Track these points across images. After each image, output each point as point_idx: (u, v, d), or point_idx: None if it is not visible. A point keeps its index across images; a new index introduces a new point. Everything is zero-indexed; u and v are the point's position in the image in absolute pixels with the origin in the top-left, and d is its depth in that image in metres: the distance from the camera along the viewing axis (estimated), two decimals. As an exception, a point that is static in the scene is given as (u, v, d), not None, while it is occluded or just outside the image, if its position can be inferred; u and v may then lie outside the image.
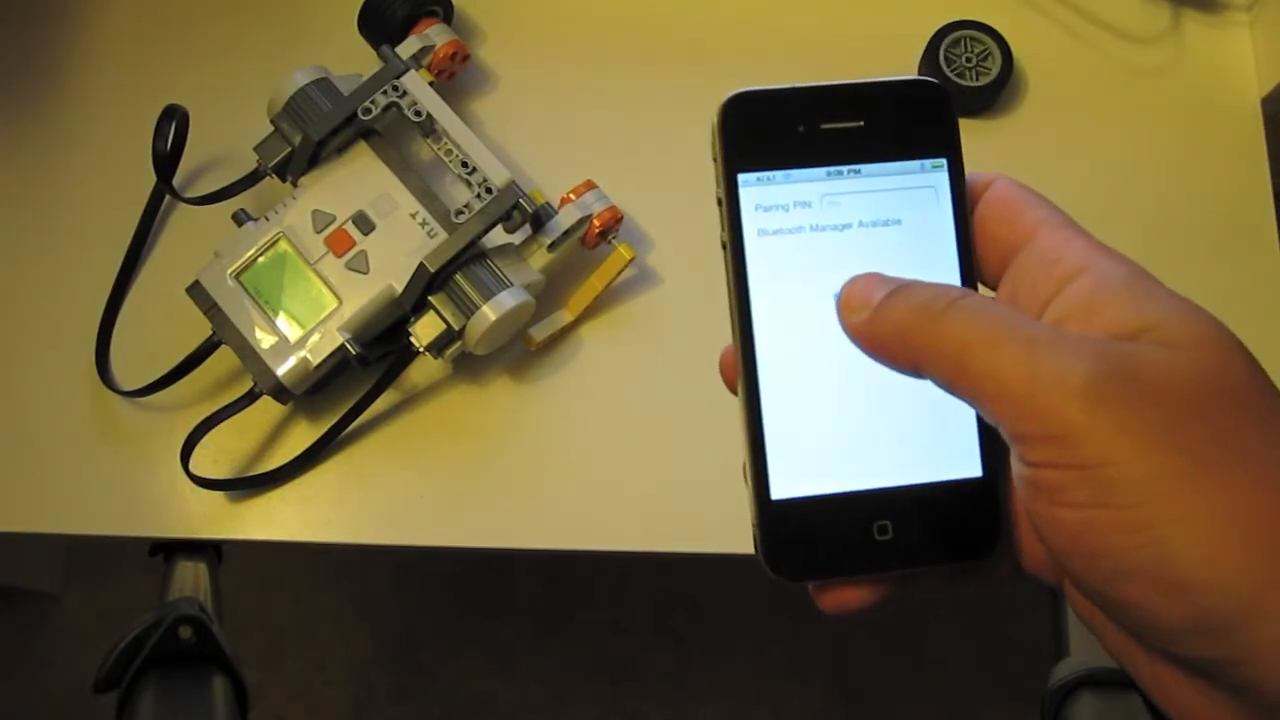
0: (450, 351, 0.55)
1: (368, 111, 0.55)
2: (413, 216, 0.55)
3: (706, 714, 1.21)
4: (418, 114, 0.55)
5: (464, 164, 0.55)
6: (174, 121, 0.57)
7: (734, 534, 0.56)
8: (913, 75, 0.32)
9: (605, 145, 0.62)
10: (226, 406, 0.55)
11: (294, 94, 0.56)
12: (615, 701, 1.22)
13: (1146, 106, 0.64)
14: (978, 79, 0.62)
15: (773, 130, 0.31)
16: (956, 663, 1.22)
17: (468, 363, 0.58)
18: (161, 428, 0.57)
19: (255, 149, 0.57)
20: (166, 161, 0.58)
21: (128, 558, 1.23)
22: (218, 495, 0.56)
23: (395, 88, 0.56)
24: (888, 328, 0.28)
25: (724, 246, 0.32)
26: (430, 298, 0.53)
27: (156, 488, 0.56)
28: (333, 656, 1.23)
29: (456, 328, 0.53)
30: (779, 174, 0.31)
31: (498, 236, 0.55)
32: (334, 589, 1.26)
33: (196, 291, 0.54)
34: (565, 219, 0.56)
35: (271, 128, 0.57)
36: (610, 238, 0.57)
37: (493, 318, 0.52)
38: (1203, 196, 0.63)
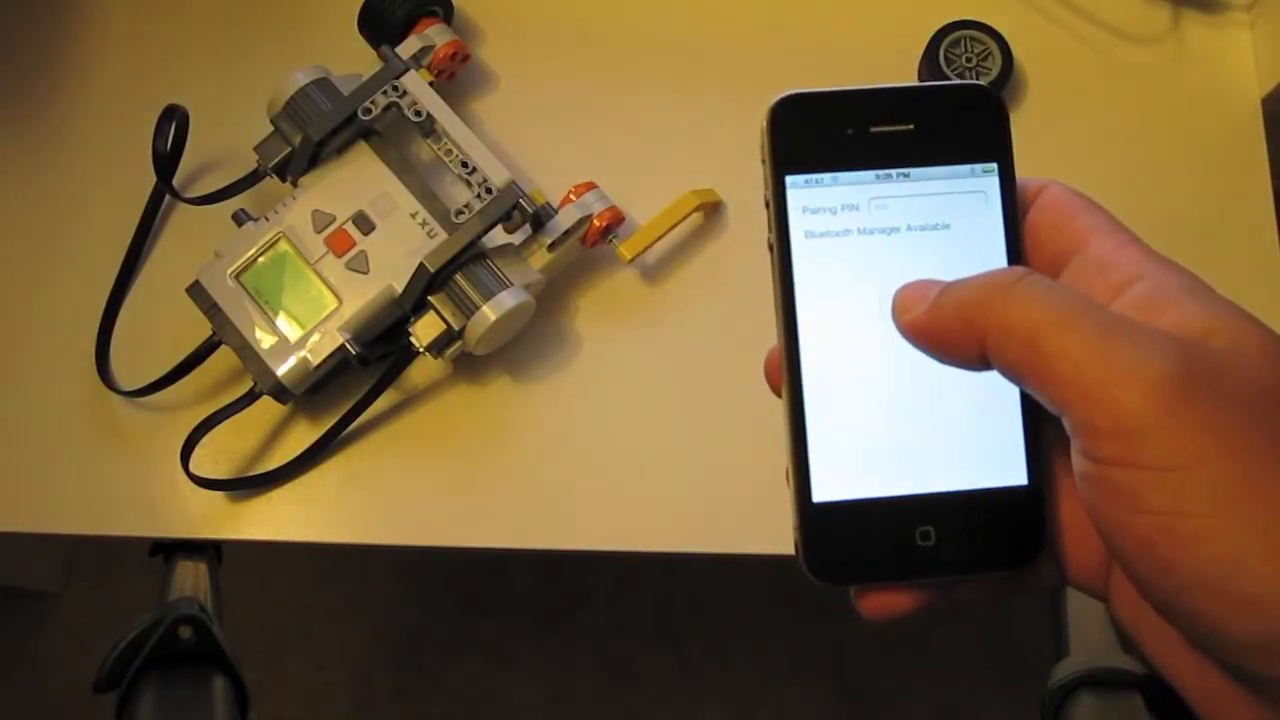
0: (450, 351, 0.55)
1: (368, 111, 0.55)
2: (413, 216, 0.55)
3: (706, 714, 1.21)
4: (418, 114, 0.55)
5: (464, 164, 0.55)
6: (174, 122, 0.57)
7: (735, 534, 0.56)
8: (968, 82, 0.32)
9: (606, 145, 0.62)
10: (226, 406, 0.55)
11: (294, 94, 0.56)
12: (615, 701, 1.22)
13: (1146, 106, 0.64)
14: (978, 79, 0.62)
15: (822, 132, 0.31)
16: (957, 663, 1.22)
17: (468, 363, 0.58)
18: (161, 428, 0.57)
19: (255, 149, 0.57)
20: (166, 161, 0.58)
21: (128, 558, 1.23)
22: (218, 495, 0.56)
23: (395, 88, 0.56)
24: (949, 312, 0.27)
25: (770, 248, 0.31)
26: (430, 298, 0.53)
27: (156, 488, 0.56)
28: (333, 656, 1.23)
29: (456, 328, 0.53)
30: (827, 176, 0.31)
31: (498, 236, 0.55)
32: (334, 589, 1.26)
33: (196, 291, 0.54)
34: (565, 219, 0.56)
35: (271, 128, 0.57)
36: (611, 238, 0.57)
37: (493, 318, 0.52)
38: (1203, 196, 0.63)
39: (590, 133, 0.63)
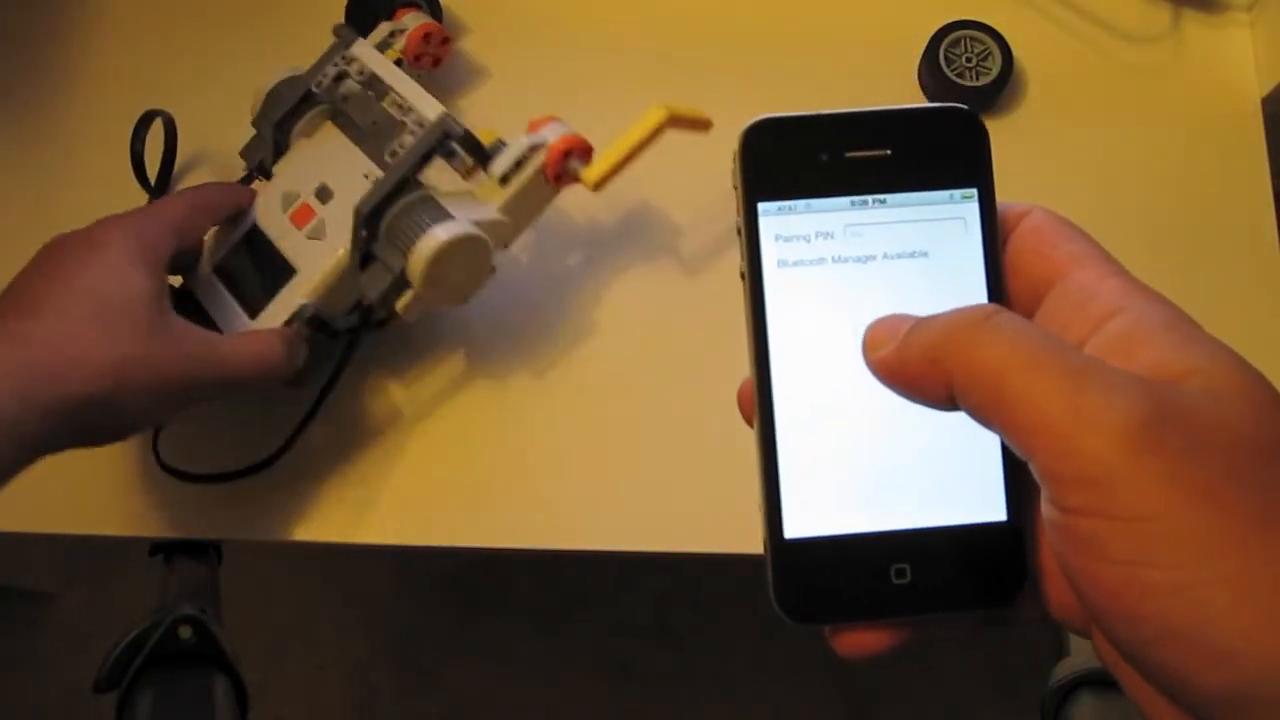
0: (405, 301, 0.51)
1: (320, 85, 0.55)
2: (365, 177, 0.53)
3: (707, 714, 1.22)
4: (361, 74, 0.55)
5: (399, 106, 0.53)
6: (159, 128, 0.57)
7: (735, 534, 0.56)
8: (947, 104, 0.31)
9: (599, 142, 0.62)
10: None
11: (267, 94, 0.56)
12: (615, 701, 1.22)
13: (1146, 106, 0.64)
14: (978, 79, 0.62)
15: (795, 158, 0.30)
16: (957, 662, 1.22)
17: (468, 363, 0.58)
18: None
19: (240, 153, 0.57)
20: (161, 171, 0.58)
21: (128, 558, 1.23)
22: (218, 495, 0.56)
23: (344, 58, 0.55)
24: (915, 353, 0.26)
25: (742, 277, 0.30)
26: (373, 247, 0.51)
27: (156, 488, 0.56)
28: (333, 656, 1.23)
29: (397, 270, 0.50)
30: (800, 203, 0.30)
31: (447, 180, 0.53)
32: (334, 589, 1.26)
33: (181, 292, 0.55)
34: (515, 149, 0.52)
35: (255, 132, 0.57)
36: (575, 168, 0.53)
37: (428, 252, 0.49)
38: (1203, 196, 0.63)
39: (584, 130, 0.63)
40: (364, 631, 1.24)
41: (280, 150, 0.56)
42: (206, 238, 0.55)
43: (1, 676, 1.22)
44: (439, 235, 0.49)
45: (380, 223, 0.51)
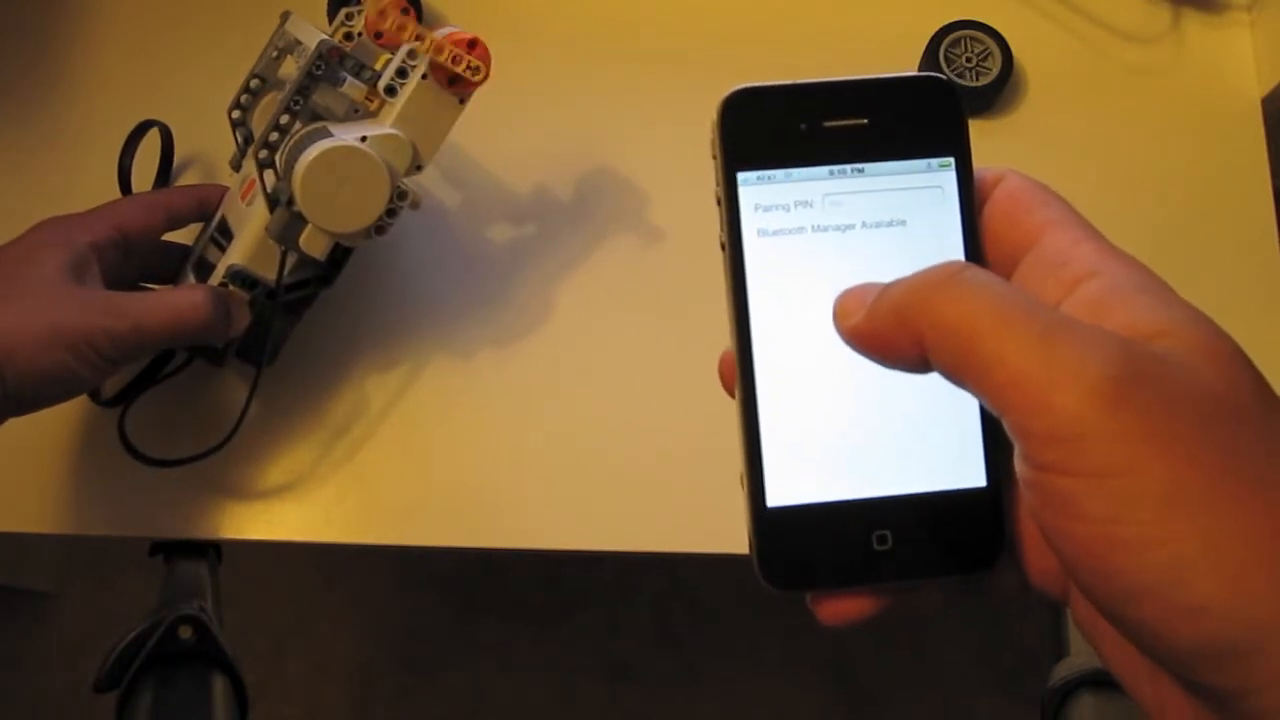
0: (305, 235, 0.51)
1: (265, 68, 0.55)
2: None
3: (706, 714, 1.22)
4: (295, 43, 0.53)
5: (298, 42, 0.53)
6: (149, 137, 0.57)
7: (735, 534, 0.56)
8: (923, 73, 0.31)
9: (591, 138, 0.62)
10: (160, 377, 0.55)
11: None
12: (614, 702, 1.22)
13: (1147, 106, 0.64)
14: (978, 79, 0.62)
15: (774, 127, 0.30)
16: (956, 661, 1.22)
17: (468, 364, 0.58)
18: (160, 429, 0.57)
19: (229, 163, 0.57)
20: (158, 184, 0.59)
21: (128, 558, 1.23)
22: (217, 495, 0.56)
23: (282, 36, 0.54)
24: (884, 315, 0.26)
25: (722, 247, 0.31)
26: (280, 187, 0.51)
27: (156, 488, 0.56)
28: (333, 656, 1.23)
29: (284, 198, 0.50)
30: (780, 173, 0.30)
31: (339, 104, 0.51)
32: (334, 589, 1.26)
33: None
34: (396, 59, 0.51)
35: None
36: (464, 68, 0.50)
37: (300, 170, 0.49)
38: (1203, 196, 0.63)
39: (574, 126, 0.63)
40: (364, 631, 1.24)
41: (250, 142, 0.56)
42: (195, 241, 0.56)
43: (1, 676, 1.22)
44: (310, 152, 0.49)
45: (268, 154, 0.51)
